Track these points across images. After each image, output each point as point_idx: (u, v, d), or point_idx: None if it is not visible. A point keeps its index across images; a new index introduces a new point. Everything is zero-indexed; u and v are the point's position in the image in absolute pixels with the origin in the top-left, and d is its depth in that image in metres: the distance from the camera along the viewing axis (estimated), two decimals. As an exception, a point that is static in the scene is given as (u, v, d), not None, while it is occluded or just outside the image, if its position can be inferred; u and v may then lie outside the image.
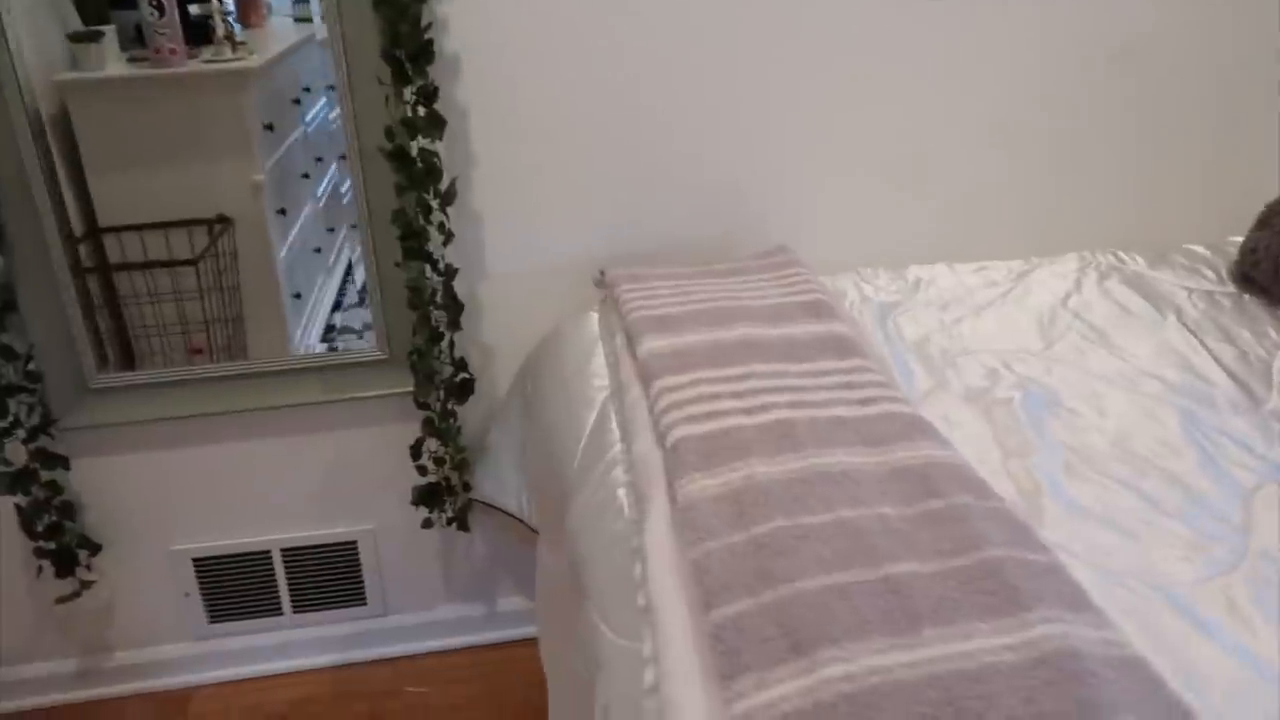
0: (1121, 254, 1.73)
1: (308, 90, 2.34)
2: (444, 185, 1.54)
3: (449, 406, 1.70)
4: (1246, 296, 1.57)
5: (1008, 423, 1.22)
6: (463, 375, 1.69)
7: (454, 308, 1.62)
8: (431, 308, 1.61)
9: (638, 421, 1.20)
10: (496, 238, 1.68)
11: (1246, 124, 1.84)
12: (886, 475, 1.00)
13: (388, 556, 1.89)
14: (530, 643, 1.99)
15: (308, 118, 2.29)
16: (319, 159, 2.38)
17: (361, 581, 1.89)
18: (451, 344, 1.66)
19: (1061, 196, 1.85)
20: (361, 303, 2.37)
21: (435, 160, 1.51)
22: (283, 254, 2.06)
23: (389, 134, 1.48)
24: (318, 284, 2.29)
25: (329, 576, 1.87)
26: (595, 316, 1.57)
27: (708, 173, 1.70)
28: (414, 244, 1.54)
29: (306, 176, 2.26)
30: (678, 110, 1.65)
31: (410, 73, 1.45)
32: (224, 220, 1.97)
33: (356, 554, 1.87)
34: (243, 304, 2.00)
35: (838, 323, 1.36)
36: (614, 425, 1.25)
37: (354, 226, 2.45)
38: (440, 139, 1.50)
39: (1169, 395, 1.30)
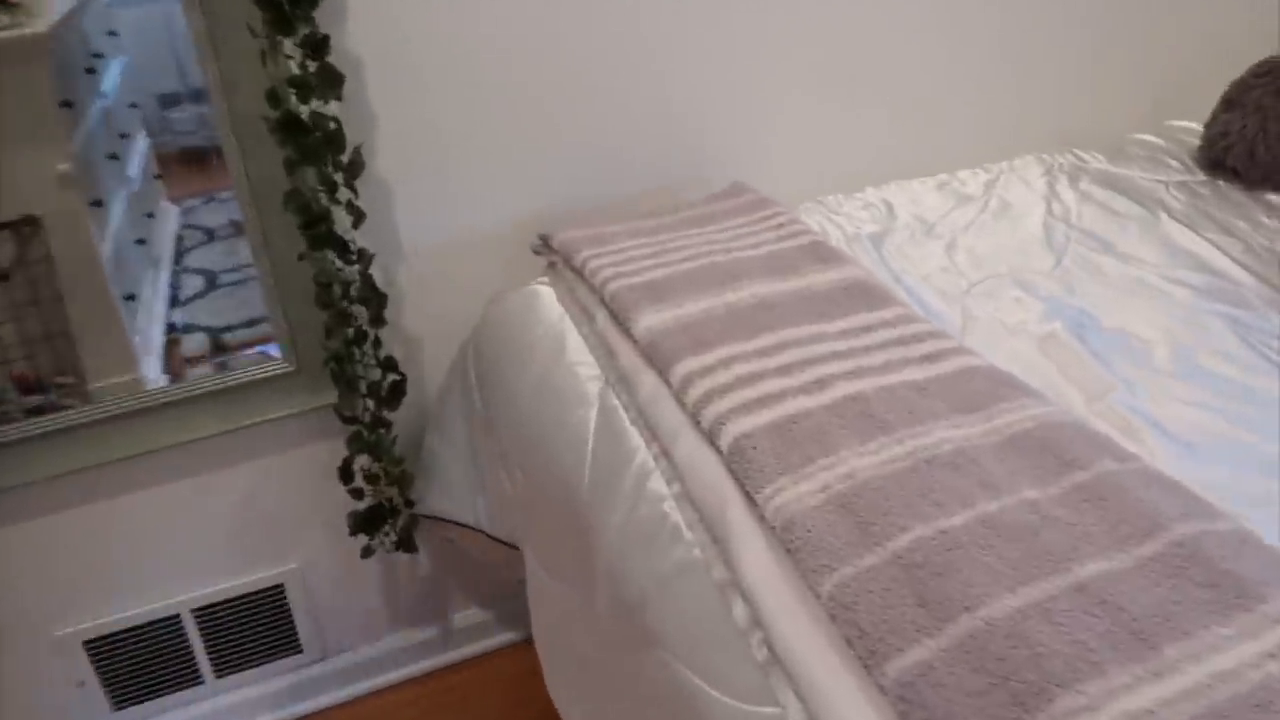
0: (1079, 152, 1.64)
1: (99, 56, 1.98)
2: (347, 156, 1.26)
3: (380, 415, 1.43)
4: (1221, 183, 1.51)
5: (1066, 357, 1.09)
6: (392, 377, 1.43)
7: (376, 300, 1.35)
8: (346, 303, 1.34)
9: (665, 418, 1.00)
10: (409, 212, 1.41)
11: (1168, 7, 1.77)
12: (1003, 447, 0.85)
13: (321, 594, 1.62)
14: (496, 655, 1.78)
15: (104, 88, 1.94)
16: (124, 135, 2.03)
17: (294, 627, 1.62)
18: (376, 343, 1.39)
19: (998, 97, 1.73)
20: (205, 294, 2.05)
21: (334, 126, 1.23)
22: (107, 252, 1.73)
23: (273, 98, 1.19)
24: (148, 280, 1.97)
25: (255, 629, 1.59)
26: (546, 291, 1.34)
27: (642, 116, 1.48)
28: (320, 230, 1.26)
29: (115, 157, 1.92)
30: (603, 49, 1.41)
31: (291, 17, 1.15)
32: (31, 221, 1.62)
33: (284, 598, 1.59)
34: (68, 317, 1.66)
35: (849, 266, 1.19)
36: (628, 425, 1.04)
37: (178, 205, 2.10)
38: (339, 99, 1.22)
39: (1201, 300, 1.21)
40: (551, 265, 1.38)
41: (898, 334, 1.03)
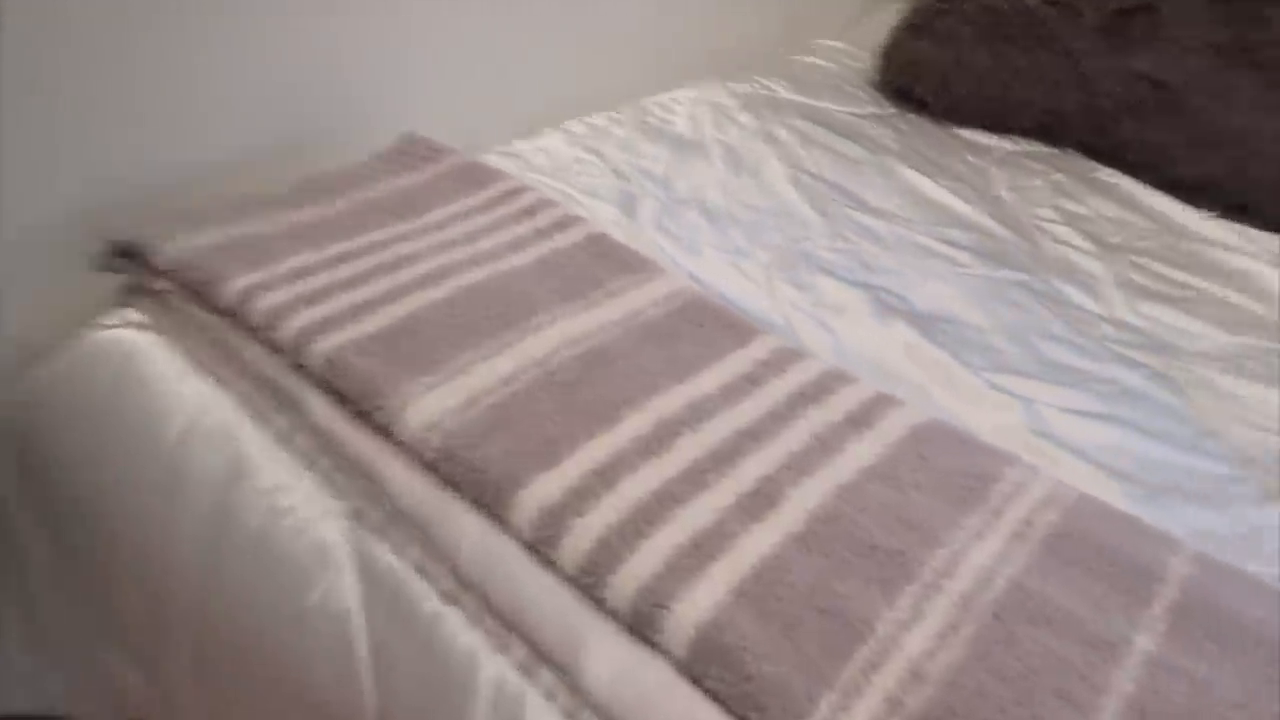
0: (762, 80, 1.43)
1: None
2: None
3: None
4: (910, 115, 1.40)
5: (934, 368, 0.89)
6: None
7: None
8: None
9: (519, 590, 0.60)
10: None
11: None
12: (1049, 561, 0.61)
13: None
14: None
15: None
16: None
17: None
18: None
19: (651, 14, 1.47)
20: None
21: None
22: None
23: None
24: None
25: None
26: (145, 342, 0.80)
27: (252, 40, 0.95)
28: None
29: None
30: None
31: None
32: None
33: None
34: None
35: (659, 271, 0.85)
36: (439, 606, 0.61)
37: None
38: None
39: (984, 266, 1.08)
40: (149, 293, 0.83)
41: (796, 384, 0.73)
